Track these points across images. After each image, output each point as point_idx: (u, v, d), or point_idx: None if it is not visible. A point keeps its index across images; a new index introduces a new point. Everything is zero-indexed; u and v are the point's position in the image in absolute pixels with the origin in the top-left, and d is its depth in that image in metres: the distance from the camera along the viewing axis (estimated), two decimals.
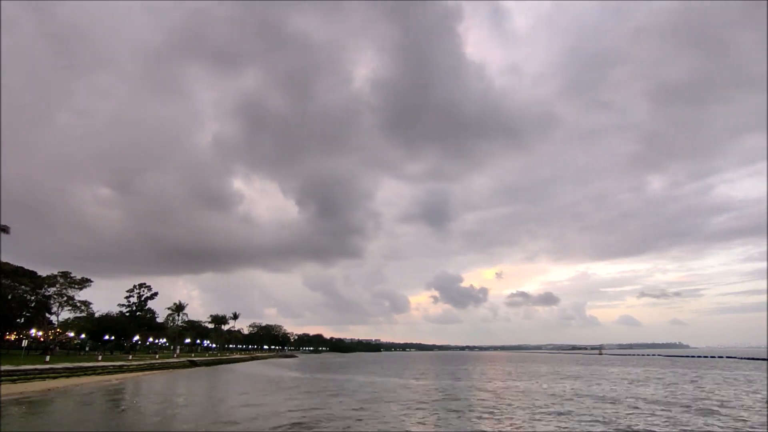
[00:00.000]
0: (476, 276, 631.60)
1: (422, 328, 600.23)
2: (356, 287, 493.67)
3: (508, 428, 16.46)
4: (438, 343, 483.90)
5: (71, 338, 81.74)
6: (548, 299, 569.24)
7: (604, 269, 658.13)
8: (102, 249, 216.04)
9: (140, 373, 47.26)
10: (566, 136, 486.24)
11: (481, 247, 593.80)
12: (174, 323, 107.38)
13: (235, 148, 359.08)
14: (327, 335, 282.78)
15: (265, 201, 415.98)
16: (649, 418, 18.50)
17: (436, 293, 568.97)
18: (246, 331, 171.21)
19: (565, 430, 16.22)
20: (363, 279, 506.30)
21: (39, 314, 64.43)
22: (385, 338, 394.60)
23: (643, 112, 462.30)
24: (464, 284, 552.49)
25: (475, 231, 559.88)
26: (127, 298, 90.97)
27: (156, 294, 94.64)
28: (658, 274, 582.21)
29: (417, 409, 21.57)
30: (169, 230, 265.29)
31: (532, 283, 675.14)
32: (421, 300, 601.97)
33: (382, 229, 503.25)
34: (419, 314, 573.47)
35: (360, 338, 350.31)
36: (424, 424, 17.73)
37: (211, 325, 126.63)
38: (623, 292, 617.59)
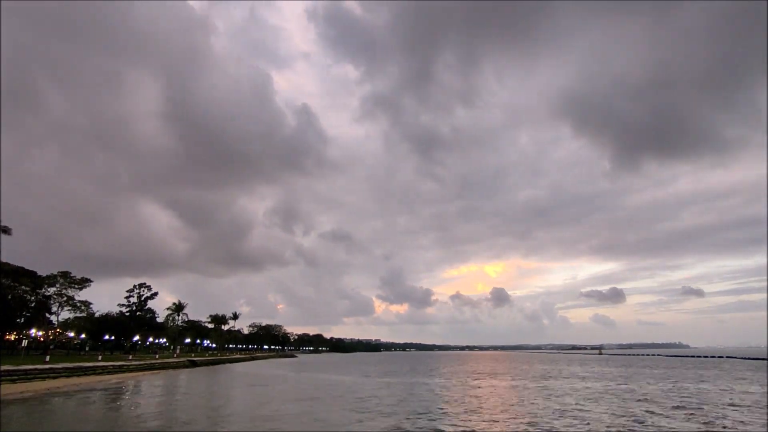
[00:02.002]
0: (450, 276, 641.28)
1: (404, 329, 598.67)
2: (317, 290, 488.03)
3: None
4: (438, 342, 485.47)
5: (71, 338, 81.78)
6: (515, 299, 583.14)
7: (589, 268, 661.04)
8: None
9: (140, 373, 47.24)
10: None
11: (447, 245, 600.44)
12: (174, 323, 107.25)
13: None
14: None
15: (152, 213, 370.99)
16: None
17: (384, 293, 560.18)
18: (246, 331, 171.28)
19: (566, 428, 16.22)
20: (319, 283, 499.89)
21: (39, 314, 64.46)
22: (371, 338, 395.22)
23: None
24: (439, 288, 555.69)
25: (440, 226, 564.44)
26: (127, 298, 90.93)
27: (156, 294, 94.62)
28: (646, 272, 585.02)
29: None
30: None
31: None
32: (379, 302, 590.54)
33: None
34: (392, 315, 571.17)
35: (350, 338, 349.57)
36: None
37: (210, 325, 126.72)
38: (616, 291, 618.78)
